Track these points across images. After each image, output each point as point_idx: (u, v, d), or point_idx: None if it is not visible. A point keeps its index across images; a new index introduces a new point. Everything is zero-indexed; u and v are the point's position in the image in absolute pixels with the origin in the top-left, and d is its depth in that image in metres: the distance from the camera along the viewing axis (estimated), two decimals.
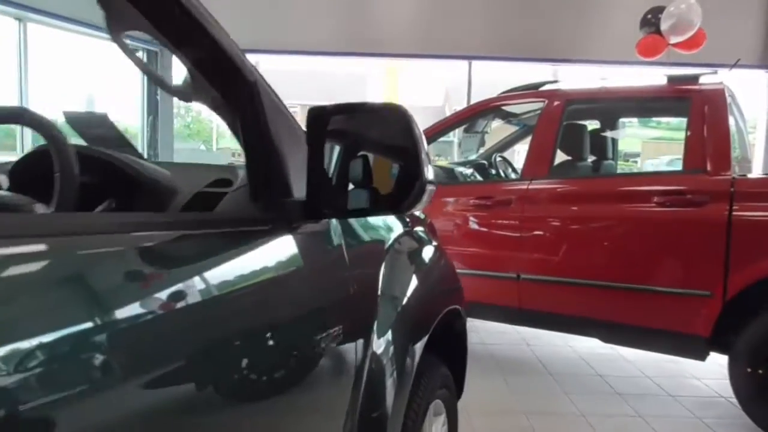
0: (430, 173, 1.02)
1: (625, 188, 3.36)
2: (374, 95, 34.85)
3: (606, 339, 3.31)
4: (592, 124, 4.22)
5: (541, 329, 3.71)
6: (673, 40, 5.73)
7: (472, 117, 4.06)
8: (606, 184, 3.46)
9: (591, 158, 3.95)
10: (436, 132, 3.91)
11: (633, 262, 3.17)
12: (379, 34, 6.13)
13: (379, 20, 6.16)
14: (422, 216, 2.09)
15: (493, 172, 4.65)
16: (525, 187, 3.46)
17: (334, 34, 6.14)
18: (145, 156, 5.44)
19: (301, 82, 38.07)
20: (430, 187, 1.02)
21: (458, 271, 3.61)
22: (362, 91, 37.72)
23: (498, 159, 4.78)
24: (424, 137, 1.03)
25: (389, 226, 1.58)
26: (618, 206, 3.22)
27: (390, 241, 1.49)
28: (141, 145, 6.11)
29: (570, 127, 3.69)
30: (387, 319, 1.33)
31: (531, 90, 3.78)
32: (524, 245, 3.44)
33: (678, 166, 3.29)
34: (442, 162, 5.10)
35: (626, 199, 3.25)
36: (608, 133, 4.14)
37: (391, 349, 1.30)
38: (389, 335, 1.31)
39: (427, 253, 1.83)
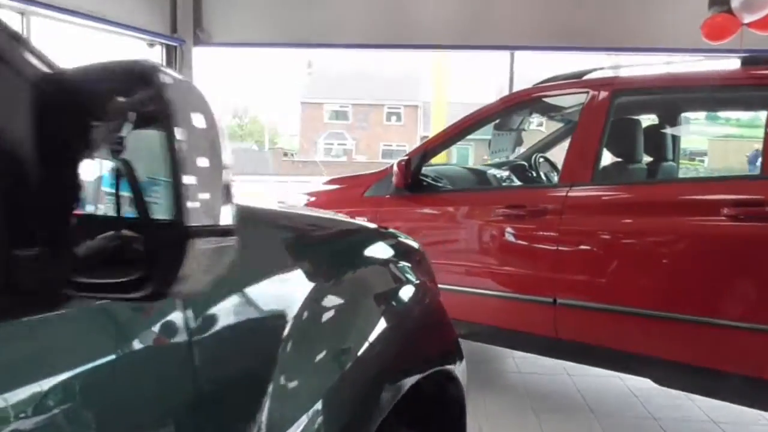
0: (219, 209, 0.51)
1: (687, 197, 2.75)
2: (426, 94, 34.26)
3: (662, 381, 2.72)
4: (649, 119, 3.61)
5: (582, 364, 3.14)
6: (747, 19, 4.96)
7: (504, 112, 3.51)
8: (663, 191, 2.86)
9: (646, 160, 3.35)
10: (461, 130, 3.39)
11: (697, 288, 2.57)
12: (416, 25, 5.63)
13: (415, 11, 5.65)
14: (412, 244, 1.60)
15: (534, 175, 4.09)
16: (563, 194, 2.91)
17: (374, 27, 5.69)
18: None
19: (350, 83, 37.94)
20: (216, 243, 0.51)
21: (485, 291, 3.13)
22: (415, 89, 37.28)
23: (540, 160, 4.22)
24: (213, 124, 0.51)
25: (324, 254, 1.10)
26: (679, 219, 2.62)
27: (312, 288, 1.00)
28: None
29: (620, 122, 3.11)
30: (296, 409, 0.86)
31: (572, 79, 3.21)
32: (562, 264, 2.88)
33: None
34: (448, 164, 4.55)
35: (689, 210, 2.65)
36: (668, 130, 3.51)
37: None
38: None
39: (401, 296, 1.34)
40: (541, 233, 2.94)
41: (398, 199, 3.47)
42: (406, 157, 3.34)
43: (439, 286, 3.38)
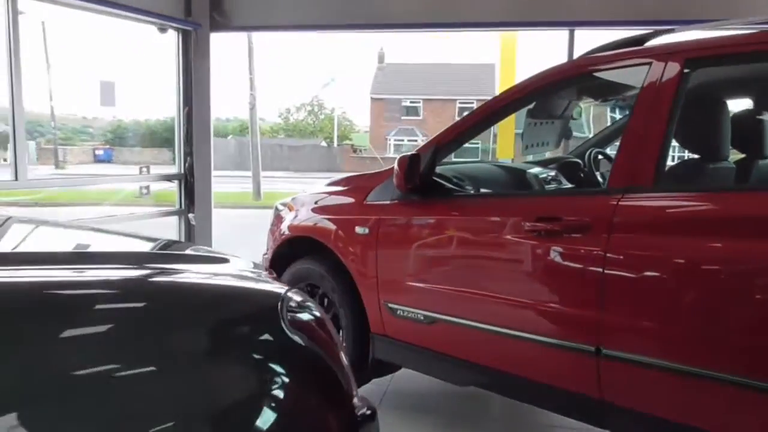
0: None
1: None
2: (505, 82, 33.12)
3: None
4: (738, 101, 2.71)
5: None
6: None
7: (540, 93, 2.69)
8: (761, 201, 1.99)
9: (734, 157, 2.48)
10: (481, 119, 2.63)
11: None
12: (463, 2, 4.86)
13: None
14: (287, 296, 0.93)
15: (587, 176, 3.26)
16: (613, 203, 2.10)
17: (423, 4, 4.95)
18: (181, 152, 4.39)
19: (422, 77, 37.17)
20: None
21: (508, 331, 2.37)
22: (491, 79, 36.19)
23: (598, 157, 3.38)
24: None
25: None
26: None
27: None
28: (177, 139, 5.32)
29: (696, 103, 2.26)
30: None
31: (630, 46, 2.38)
32: (609, 300, 2.08)
33: None
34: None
35: None
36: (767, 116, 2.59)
37: None
38: None
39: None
40: (581, 257, 2.14)
41: (404, 206, 2.77)
42: (411, 153, 2.62)
43: (451, 318, 2.48)
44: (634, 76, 2.27)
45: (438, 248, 2.66)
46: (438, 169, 2.75)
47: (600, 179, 3.20)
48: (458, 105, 36.16)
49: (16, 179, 4.08)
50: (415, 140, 35.31)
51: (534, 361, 2.33)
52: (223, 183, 20.77)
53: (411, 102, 37.07)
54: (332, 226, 3.08)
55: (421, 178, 2.62)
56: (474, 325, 2.46)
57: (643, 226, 2.05)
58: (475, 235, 2.52)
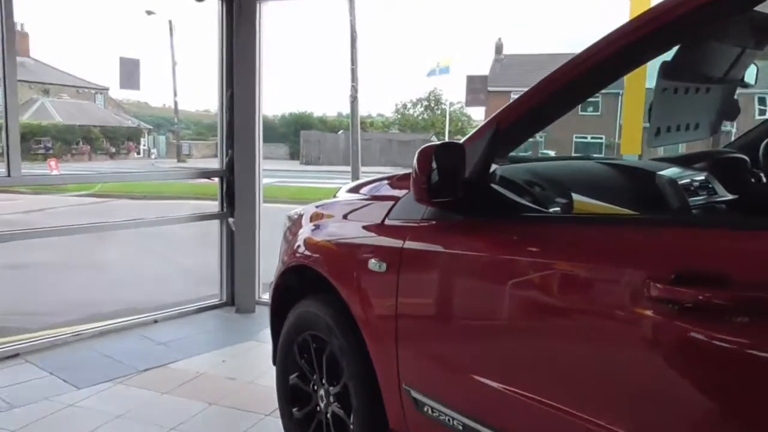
0: None
1: None
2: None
3: None
4: None
5: None
6: None
7: (681, 28, 1.40)
8: None
9: None
10: (574, 78, 1.44)
11: None
12: None
13: None
14: None
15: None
16: None
17: None
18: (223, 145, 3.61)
19: (546, 68, 35.11)
20: None
21: None
22: None
23: None
24: None
25: None
26: None
27: None
28: (219, 129, 4.50)
29: None
30: None
31: None
32: None
33: None
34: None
35: None
36: None
37: None
38: None
39: None
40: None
41: (438, 230, 1.68)
42: (445, 142, 1.54)
43: None
44: None
45: (493, 312, 1.53)
46: (501, 170, 1.64)
47: None
48: None
49: (9, 175, 3.47)
50: (534, 137, 33.21)
51: None
52: (327, 179, 20.45)
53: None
54: (337, 255, 2.08)
55: (466, 186, 1.51)
56: None
57: None
58: (561, 296, 1.37)
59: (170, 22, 27.55)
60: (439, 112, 48.44)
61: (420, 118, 46.04)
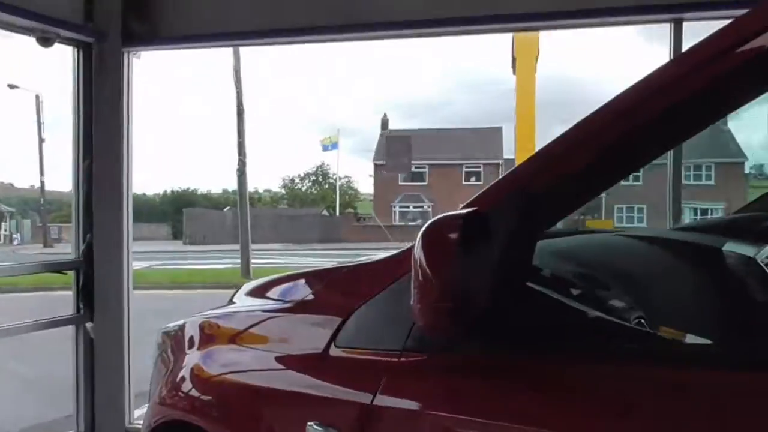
0: None
1: None
2: (508, 150, 32.23)
3: None
4: None
5: None
6: None
7: None
8: None
9: None
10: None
11: None
12: None
13: None
14: None
15: None
16: None
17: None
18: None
19: (429, 142, 36.18)
20: None
21: None
22: (497, 142, 35.19)
23: None
24: None
25: None
26: None
27: None
28: (73, 208, 3.51)
29: None
30: None
31: None
32: None
33: None
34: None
35: None
36: None
37: None
38: None
39: None
40: None
41: (448, 379, 1.04)
42: (467, 211, 0.87)
43: None
44: None
45: None
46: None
47: None
48: (465, 169, 34.79)
49: None
50: (421, 206, 33.66)
51: None
52: (214, 259, 19.07)
53: (416, 168, 35.72)
54: (244, 408, 1.30)
55: (510, 292, 0.82)
56: None
57: None
58: None
59: (37, 96, 25.50)
60: (326, 186, 48.31)
61: (308, 192, 45.60)
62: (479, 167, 34.78)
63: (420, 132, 37.58)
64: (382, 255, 1.35)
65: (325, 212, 37.30)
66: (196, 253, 23.04)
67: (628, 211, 30.94)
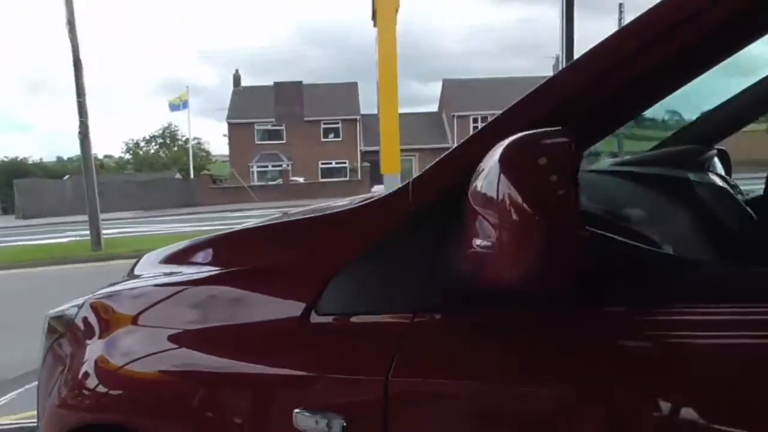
0: None
1: None
2: (364, 106, 32.27)
3: None
4: None
5: None
6: None
7: None
8: None
9: None
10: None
11: None
12: None
13: None
14: None
15: None
16: None
17: None
18: None
19: (277, 97, 35.31)
20: None
21: None
22: (354, 98, 35.13)
23: None
24: None
25: None
26: None
27: None
28: None
29: None
30: None
31: None
32: None
33: None
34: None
35: None
36: None
37: None
38: None
39: None
40: None
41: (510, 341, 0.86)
42: (541, 131, 0.72)
43: None
44: None
45: None
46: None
47: None
48: (323, 126, 34.44)
49: None
50: (280, 165, 32.93)
51: None
52: (57, 232, 17.27)
53: (272, 125, 34.81)
54: (193, 401, 1.07)
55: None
56: None
57: None
58: None
59: None
60: (176, 148, 45.54)
61: (156, 155, 42.77)
62: (338, 123, 34.62)
63: (271, 89, 36.49)
64: (346, 202, 1.21)
65: (178, 176, 35.31)
66: (34, 228, 20.89)
67: None
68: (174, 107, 31.40)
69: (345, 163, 34.03)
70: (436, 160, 0.95)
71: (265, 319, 1.02)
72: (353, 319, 0.96)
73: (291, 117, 33.94)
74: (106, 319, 1.28)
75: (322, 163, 34.41)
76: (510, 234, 0.69)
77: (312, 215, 1.18)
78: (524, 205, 0.67)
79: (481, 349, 0.85)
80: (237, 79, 36.86)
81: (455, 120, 34.05)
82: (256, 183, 30.75)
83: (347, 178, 29.42)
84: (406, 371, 0.86)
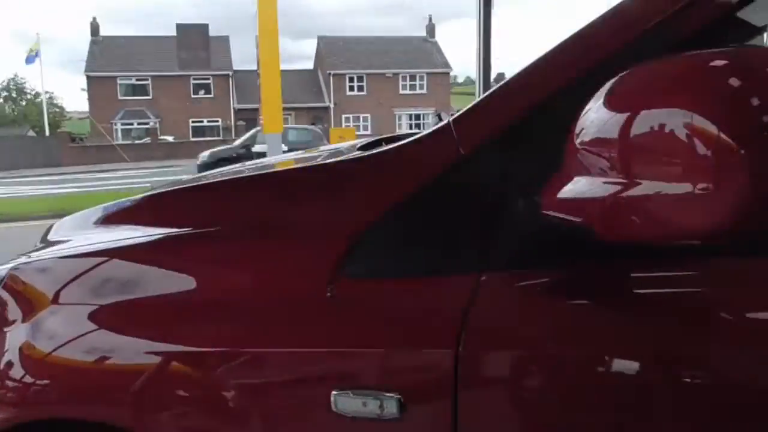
0: None
1: None
2: (238, 61, 30.80)
3: None
4: None
5: None
6: None
7: None
8: None
9: None
10: None
11: None
12: None
13: None
14: None
15: None
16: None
17: None
18: None
19: (150, 50, 32.96)
20: None
21: None
22: (225, 49, 33.38)
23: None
24: None
25: None
26: None
27: None
28: None
29: None
30: None
31: None
32: None
33: None
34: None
35: None
36: None
37: None
38: None
39: None
40: None
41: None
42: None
43: None
44: None
45: None
46: None
47: None
48: (192, 82, 32.75)
49: None
50: (147, 122, 30.98)
51: None
52: None
53: (137, 80, 32.55)
54: (197, 387, 0.89)
55: None
56: None
57: None
58: None
59: None
60: (24, 103, 41.36)
61: (2, 109, 38.70)
62: (209, 79, 33.08)
63: (139, 40, 33.98)
64: (323, 152, 1.18)
65: (31, 133, 32.13)
66: None
67: (354, 120, 33.00)
68: (30, 59, 28.55)
69: (218, 121, 32.76)
70: (482, 97, 0.85)
71: (271, 287, 0.88)
72: (398, 282, 0.82)
73: (196, 65, 31.94)
74: (66, 291, 1.01)
75: (193, 121, 32.88)
76: (701, 176, 0.56)
77: (316, 165, 1.10)
78: (722, 137, 0.54)
79: (569, 312, 0.75)
80: (95, 28, 33.90)
81: (331, 78, 33.81)
82: (120, 141, 28.82)
83: (221, 137, 28.42)
84: (477, 339, 0.75)
